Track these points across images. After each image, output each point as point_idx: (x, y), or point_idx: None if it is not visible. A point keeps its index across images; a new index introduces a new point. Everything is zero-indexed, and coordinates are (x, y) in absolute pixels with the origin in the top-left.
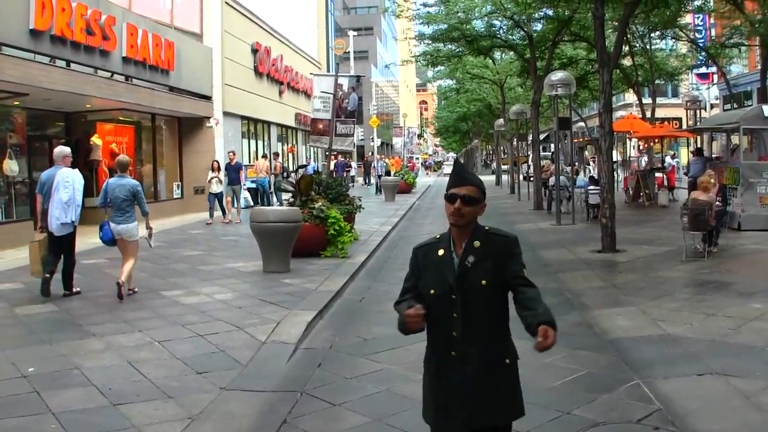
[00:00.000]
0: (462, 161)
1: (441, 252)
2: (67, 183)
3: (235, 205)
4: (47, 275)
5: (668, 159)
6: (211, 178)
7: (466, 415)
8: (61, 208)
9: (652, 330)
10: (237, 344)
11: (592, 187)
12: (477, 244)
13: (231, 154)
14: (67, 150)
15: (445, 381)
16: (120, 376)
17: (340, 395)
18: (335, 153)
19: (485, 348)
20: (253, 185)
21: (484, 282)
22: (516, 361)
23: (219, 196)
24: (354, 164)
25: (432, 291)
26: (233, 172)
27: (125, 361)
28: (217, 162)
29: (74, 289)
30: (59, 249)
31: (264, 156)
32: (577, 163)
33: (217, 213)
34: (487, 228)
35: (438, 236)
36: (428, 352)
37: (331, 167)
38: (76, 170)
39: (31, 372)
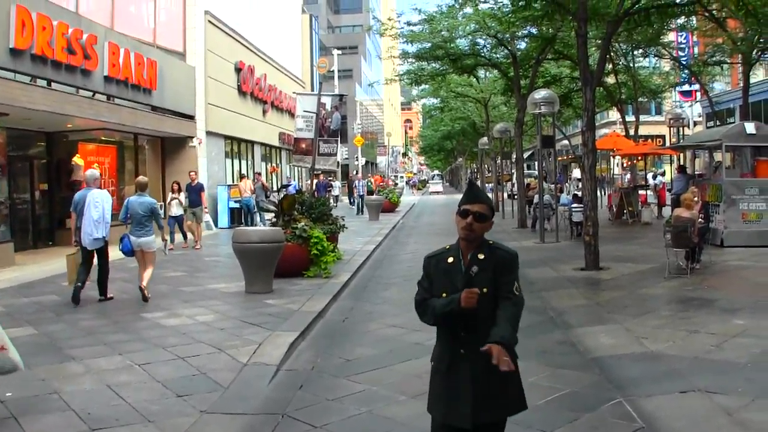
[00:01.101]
0: (475, 182)
1: (450, 260)
2: (96, 203)
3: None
4: (79, 284)
5: (654, 177)
6: (171, 200)
7: (471, 410)
8: (93, 225)
9: (636, 347)
10: (218, 366)
11: (575, 205)
12: (481, 256)
13: (192, 173)
14: (97, 173)
15: (455, 377)
16: (99, 400)
17: (322, 417)
18: (318, 173)
19: None
20: (237, 205)
21: (485, 290)
22: (516, 361)
23: (179, 219)
24: (338, 183)
25: (444, 294)
26: (193, 193)
27: (105, 384)
28: (177, 183)
29: (108, 295)
30: (91, 260)
31: (244, 176)
32: (561, 182)
33: (179, 238)
34: (491, 242)
35: (448, 246)
36: (438, 350)
37: (313, 187)
38: (105, 191)
39: (9, 397)
